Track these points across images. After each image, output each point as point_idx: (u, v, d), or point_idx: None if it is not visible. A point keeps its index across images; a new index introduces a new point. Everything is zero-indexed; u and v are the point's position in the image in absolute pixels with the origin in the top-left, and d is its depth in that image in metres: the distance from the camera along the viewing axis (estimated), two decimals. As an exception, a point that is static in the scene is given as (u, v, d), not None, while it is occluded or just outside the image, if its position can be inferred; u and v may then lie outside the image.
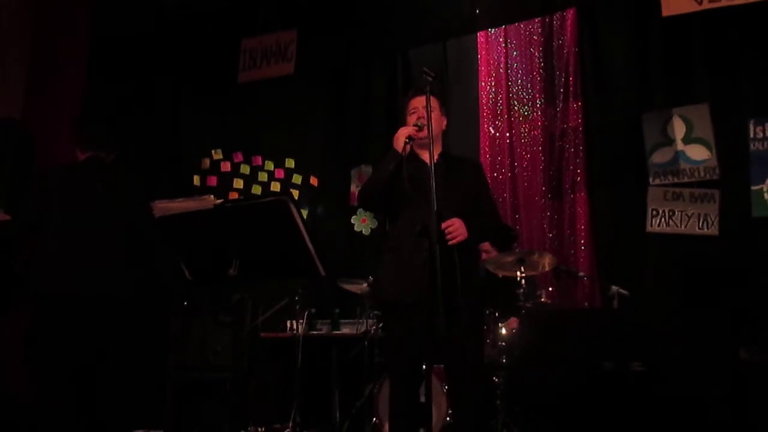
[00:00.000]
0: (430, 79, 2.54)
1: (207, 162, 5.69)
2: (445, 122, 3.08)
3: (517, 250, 4.29)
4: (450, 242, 2.64)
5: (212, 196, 2.20)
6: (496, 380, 4.04)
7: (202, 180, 5.63)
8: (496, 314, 4.06)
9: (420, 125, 2.82)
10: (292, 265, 2.29)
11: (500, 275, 4.47)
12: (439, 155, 2.94)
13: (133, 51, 5.62)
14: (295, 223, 2.16)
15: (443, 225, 2.63)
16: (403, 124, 2.96)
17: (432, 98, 2.74)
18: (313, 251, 2.20)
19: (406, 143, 2.76)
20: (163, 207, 2.33)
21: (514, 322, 4.10)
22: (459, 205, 2.80)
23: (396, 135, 2.82)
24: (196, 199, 2.24)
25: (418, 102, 2.93)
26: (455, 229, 2.69)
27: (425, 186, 2.60)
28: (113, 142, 3.17)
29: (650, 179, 4.79)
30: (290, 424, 4.69)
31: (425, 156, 2.85)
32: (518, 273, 4.03)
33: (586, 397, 2.16)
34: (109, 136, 3.16)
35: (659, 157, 4.82)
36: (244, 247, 2.27)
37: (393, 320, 2.82)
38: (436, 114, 2.88)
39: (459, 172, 2.96)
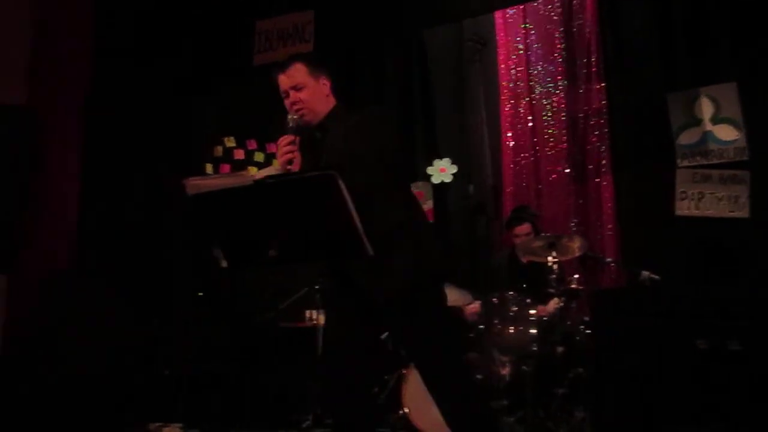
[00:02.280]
0: (479, 47, 2.37)
1: (220, 150, 5.54)
2: (327, 84, 2.61)
3: (546, 235, 4.17)
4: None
5: (253, 170, 2.06)
6: (525, 369, 3.94)
7: (215, 168, 5.47)
8: (527, 300, 3.93)
9: (294, 124, 2.47)
10: (336, 245, 2.14)
11: (525, 261, 4.38)
12: (330, 118, 2.57)
13: (141, 34, 5.44)
14: (344, 199, 2.01)
15: None
16: None
17: (298, 66, 2.51)
18: (361, 229, 2.05)
19: (288, 169, 2.37)
20: (196, 184, 2.19)
21: (542, 310, 3.99)
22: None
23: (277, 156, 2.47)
24: (232, 175, 2.10)
25: (285, 81, 2.55)
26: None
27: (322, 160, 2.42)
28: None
29: (678, 161, 4.67)
30: (310, 416, 4.58)
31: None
32: (549, 258, 3.92)
33: (678, 377, 2.04)
34: None
35: (687, 138, 4.69)
36: (287, 225, 2.13)
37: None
38: (309, 89, 2.52)
39: (337, 140, 2.51)
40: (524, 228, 4.43)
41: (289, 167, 2.38)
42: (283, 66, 2.59)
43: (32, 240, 4.71)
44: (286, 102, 2.56)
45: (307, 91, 2.54)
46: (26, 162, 4.81)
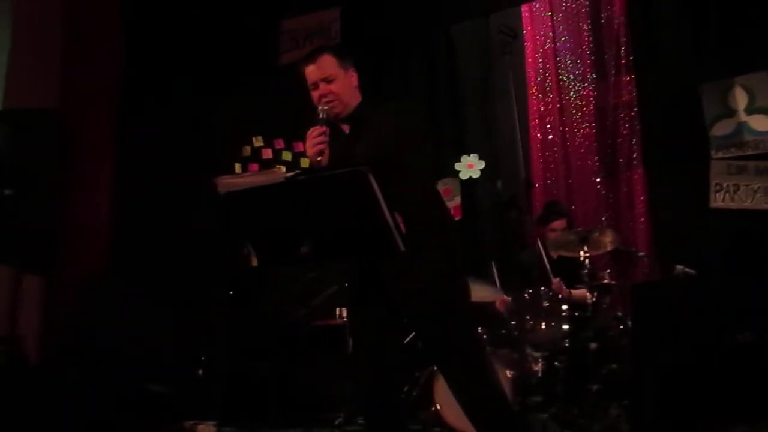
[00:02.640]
0: (510, 39, 2.34)
1: (248, 149, 5.58)
2: (355, 76, 2.59)
3: (578, 230, 4.12)
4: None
5: (282, 168, 2.07)
6: (558, 365, 3.90)
7: (243, 168, 5.52)
8: (559, 296, 3.89)
9: (325, 116, 2.44)
10: (368, 242, 2.14)
11: (556, 256, 4.34)
12: (352, 124, 2.56)
13: (169, 36, 5.50)
14: (375, 196, 2.01)
15: None
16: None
17: (327, 57, 2.48)
18: (392, 226, 2.04)
19: (318, 161, 2.37)
20: (228, 183, 2.21)
21: (572, 295, 3.95)
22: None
23: (306, 147, 2.44)
24: (264, 173, 2.12)
25: (315, 72, 2.50)
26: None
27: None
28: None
29: (712, 152, 4.57)
30: (342, 414, 4.59)
31: (345, 126, 2.56)
32: (581, 253, 3.87)
33: (718, 373, 1.99)
34: None
35: (721, 130, 4.59)
36: (318, 223, 2.13)
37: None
38: (339, 81, 2.49)
39: (371, 134, 2.47)
40: (561, 223, 4.39)
41: (319, 159, 2.37)
42: (311, 57, 2.55)
43: (67, 242, 4.79)
44: (315, 94, 2.52)
45: (338, 83, 2.51)
46: (60, 165, 4.88)
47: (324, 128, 2.41)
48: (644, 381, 2.22)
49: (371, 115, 2.53)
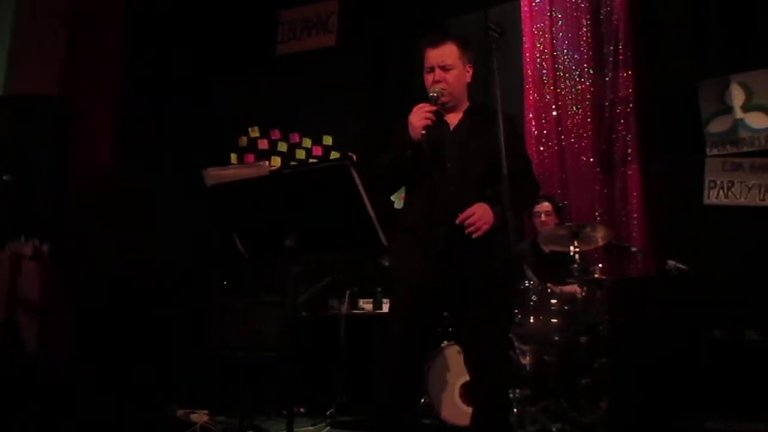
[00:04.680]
0: (497, 35, 2.35)
1: (244, 140, 5.60)
2: (470, 72, 2.69)
3: (569, 224, 4.13)
4: (474, 236, 2.38)
5: (267, 162, 2.10)
6: (548, 359, 3.92)
7: (240, 158, 5.54)
8: (548, 290, 3.91)
9: (436, 96, 2.51)
10: (352, 236, 2.16)
11: (548, 250, 4.35)
12: (465, 112, 2.65)
13: (170, 24, 5.50)
14: (357, 189, 2.03)
15: (461, 218, 2.38)
16: (421, 76, 2.64)
17: (451, 46, 2.53)
18: (375, 220, 2.06)
19: (422, 134, 2.43)
20: (216, 174, 2.23)
21: (563, 291, 3.96)
22: (484, 168, 2.51)
23: (411, 119, 2.48)
24: (250, 166, 2.13)
25: (436, 57, 2.56)
26: (476, 219, 2.38)
27: (444, 155, 2.45)
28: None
29: (707, 149, 4.58)
30: (334, 405, 4.63)
31: (450, 116, 2.61)
32: (572, 248, 3.88)
33: (694, 366, 2.02)
34: None
35: (717, 126, 4.60)
36: (302, 216, 2.15)
37: (401, 302, 2.58)
38: (456, 72, 2.57)
39: (485, 129, 2.55)
40: (545, 206, 4.36)
41: (423, 133, 2.42)
42: (436, 41, 2.60)
43: (67, 230, 4.81)
44: (429, 77, 2.58)
45: (453, 74, 2.58)
46: (61, 151, 4.90)
47: (435, 107, 2.48)
48: (623, 376, 2.23)
49: (484, 113, 2.60)
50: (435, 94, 2.52)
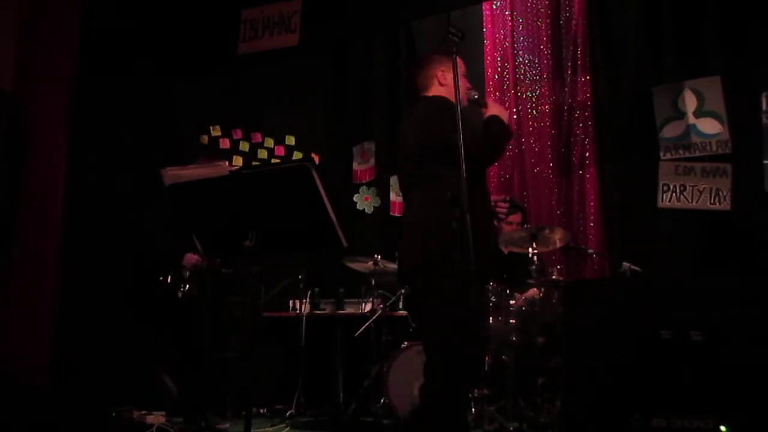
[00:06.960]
0: (457, 39, 2.39)
1: (205, 138, 5.53)
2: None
3: (527, 226, 4.19)
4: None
5: (227, 162, 2.08)
6: (505, 359, 3.96)
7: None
8: (507, 291, 3.96)
9: (472, 98, 2.92)
10: (312, 236, 2.16)
11: (506, 251, 4.40)
12: None
13: (128, 19, 5.39)
14: (317, 190, 2.03)
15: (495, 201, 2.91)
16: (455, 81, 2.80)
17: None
18: (335, 221, 2.07)
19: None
20: (174, 174, 2.20)
21: (521, 298, 4.02)
22: None
23: (503, 111, 2.92)
24: (209, 166, 2.11)
25: (462, 65, 2.93)
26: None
27: None
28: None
29: (661, 154, 4.70)
30: (293, 405, 4.62)
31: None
32: (530, 249, 3.94)
33: (644, 367, 2.08)
34: None
35: (670, 131, 4.73)
36: (262, 216, 2.15)
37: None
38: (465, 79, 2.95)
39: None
40: (517, 217, 4.43)
41: (476, 95, 2.92)
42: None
43: (20, 223, 4.70)
44: (465, 81, 2.94)
45: None
46: (14, 145, 4.79)
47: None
48: (574, 376, 2.29)
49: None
50: (474, 96, 2.94)
